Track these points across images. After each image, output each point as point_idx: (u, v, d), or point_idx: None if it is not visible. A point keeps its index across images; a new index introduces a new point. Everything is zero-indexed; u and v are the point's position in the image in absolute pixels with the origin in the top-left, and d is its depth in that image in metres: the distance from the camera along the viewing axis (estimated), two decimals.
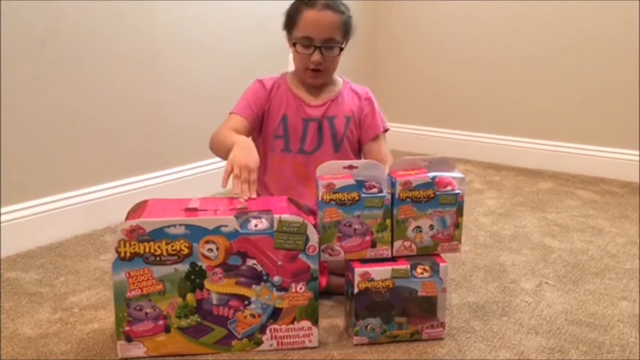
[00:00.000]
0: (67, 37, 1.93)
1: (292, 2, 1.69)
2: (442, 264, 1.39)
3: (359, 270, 1.36)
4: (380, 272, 1.37)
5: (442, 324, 1.42)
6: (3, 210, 1.85)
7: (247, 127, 1.68)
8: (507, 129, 3.01)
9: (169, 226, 1.30)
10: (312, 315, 1.37)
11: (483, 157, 3.04)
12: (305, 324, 1.37)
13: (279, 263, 1.34)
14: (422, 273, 1.39)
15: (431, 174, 1.39)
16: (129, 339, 1.33)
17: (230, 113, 1.70)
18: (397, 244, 1.40)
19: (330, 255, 1.38)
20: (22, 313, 1.53)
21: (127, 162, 2.18)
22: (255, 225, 1.32)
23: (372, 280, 1.37)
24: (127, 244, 1.30)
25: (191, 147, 2.35)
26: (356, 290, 1.37)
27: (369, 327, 1.39)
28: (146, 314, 1.32)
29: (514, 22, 2.90)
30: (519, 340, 1.43)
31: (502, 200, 2.47)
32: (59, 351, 1.37)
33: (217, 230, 1.31)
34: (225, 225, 1.32)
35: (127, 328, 1.33)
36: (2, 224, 1.84)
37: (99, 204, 2.09)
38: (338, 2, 1.67)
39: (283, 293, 1.35)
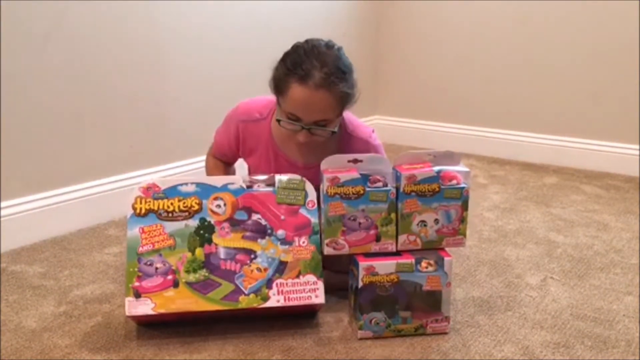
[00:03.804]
0: (70, 31, 1.93)
1: (286, 57, 1.46)
2: (446, 258, 1.39)
3: (363, 264, 1.36)
4: (385, 266, 1.37)
5: (447, 319, 1.42)
6: (7, 203, 1.86)
7: (230, 163, 1.75)
8: (511, 123, 3.00)
9: (181, 184, 1.43)
10: (316, 269, 1.39)
11: (487, 151, 3.03)
12: (310, 278, 1.39)
13: (282, 217, 1.42)
14: (426, 267, 1.38)
15: (436, 168, 1.39)
16: (137, 294, 1.35)
17: (212, 144, 1.72)
18: (402, 238, 1.40)
19: (334, 249, 1.38)
20: (26, 306, 1.53)
21: (130, 156, 2.18)
22: (259, 186, 1.45)
23: (376, 274, 1.37)
24: (143, 201, 1.41)
25: (194, 141, 2.35)
26: (361, 284, 1.37)
27: (373, 321, 1.39)
28: (156, 269, 1.36)
29: (519, 17, 2.89)
30: (523, 334, 1.43)
31: (507, 195, 2.46)
32: (63, 344, 1.37)
33: (224, 188, 1.44)
34: (232, 183, 1.44)
35: (136, 284, 1.35)
36: (6, 218, 1.84)
37: (103, 197, 2.09)
38: (339, 69, 1.41)
39: (287, 247, 1.40)
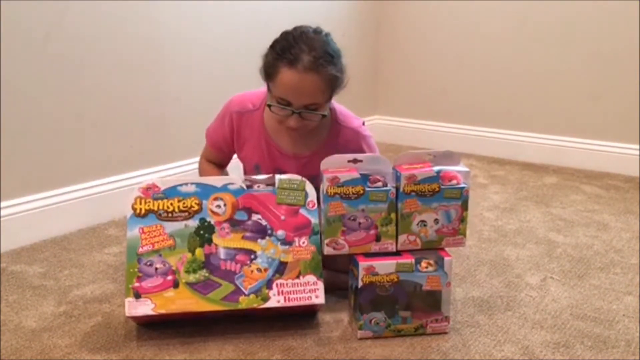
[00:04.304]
0: (70, 31, 1.93)
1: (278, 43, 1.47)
2: (446, 258, 1.39)
3: (363, 264, 1.36)
4: (385, 266, 1.37)
5: (447, 318, 1.42)
6: (7, 203, 1.86)
7: (223, 165, 1.75)
8: (511, 123, 3.00)
9: (181, 185, 1.43)
10: (316, 269, 1.39)
11: (487, 151, 3.03)
12: (311, 278, 1.38)
13: (282, 217, 1.42)
14: (426, 267, 1.38)
15: (436, 168, 1.39)
16: (137, 295, 1.34)
17: (206, 143, 1.72)
18: (402, 238, 1.40)
19: (334, 249, 1.38)
20: (26, 306, 1.53)
21: (130, 156, 2.18)
22: (259, 186, 1.45)
23: (376, 274, 1.37)
24: (143, 201, 1.41)
25: (194, 141, 2.34)
26: (361, 284, 1.36)
27: (373, 321, 1.39)
28: (156, 269, 1.36)
29: (519, 17, 2.89)
30: (523, 334, 1.43)
31: (507, 194, 2.46)
32: (63, 344, 1.37)
33: (224, 188, 1.43)
34: (232, 184, 1.44)
35: (136, 284, 1.35)
36: (6, 218, 1.84)
37: (103, 197, 2.09)
38: (327, 53, 1.43)
39: (287, 247, 1.40)
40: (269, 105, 1.48)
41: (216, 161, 1.74)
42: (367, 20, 3.17)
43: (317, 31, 1.48)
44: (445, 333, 1.42)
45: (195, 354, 1.33)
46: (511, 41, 2.93)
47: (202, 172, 1.75)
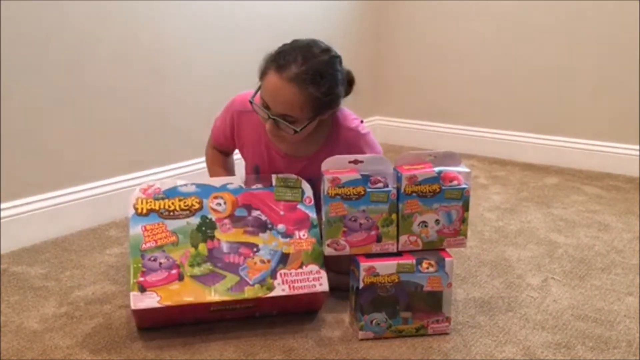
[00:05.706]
0: (71, 32, 1.93)
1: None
2: (447, 259, 1.39)
3: (364, 265, 1.36)
4: (386, 267, 1.37)
5: (448, 319, 1.42)
6: (8, 204, 1.86)
7: (229, 155, 1.76)
8: (512, 124, 3.00)
9: (181, 185, 1.47)
10: (317, 259, 1.41)
11: (488, 152, 3.03)
12: (313, 267, 1.40)
13: (281, 213, 1.45)
14: (427, 268, 1.38)
15: (437, 169, 1.39)
16: (142, 289, 1.34)
17: (211, 135, 1.73)
18: (403, 238, 1.40)
19: (335, 249, 1.38)
20: (28, 307, 1.54)
21: (131, 157, 2.18)
22: (257, 186, 1.50)
23: (377, 274, 1.37)
24: (144, 201, 1.43)
25: (195, 142, 2.34)
26: (361, 285, 1.36)
27: (374, 321, 1.39)
28: (160, 264, 1.37)
29: (519, 18, 2.89)
30: (524, 335, 1.43)
31: (508, 195, 2.46)
32: (65, 345, 1.37)
33: (224, 187, 1.48)
34: (231, 183, 1.49)
35: (141, 279, 1.35)
36: (7, 219, 1.84)
37: (104, 198, 2.09)
38: (318, 72, 1.40)
39: (288, 240, 1.43)
40: (251, 102, 1.48)
41: (221, 149, 1.76)
42: (367, 21, 3.17)
43: (325, 50, 1.45)
44: (447, 334, 1.42)
45: (196, 355, 1.33)
46: (511, 42, 2.93)
47: (207, 161, 1.77)
